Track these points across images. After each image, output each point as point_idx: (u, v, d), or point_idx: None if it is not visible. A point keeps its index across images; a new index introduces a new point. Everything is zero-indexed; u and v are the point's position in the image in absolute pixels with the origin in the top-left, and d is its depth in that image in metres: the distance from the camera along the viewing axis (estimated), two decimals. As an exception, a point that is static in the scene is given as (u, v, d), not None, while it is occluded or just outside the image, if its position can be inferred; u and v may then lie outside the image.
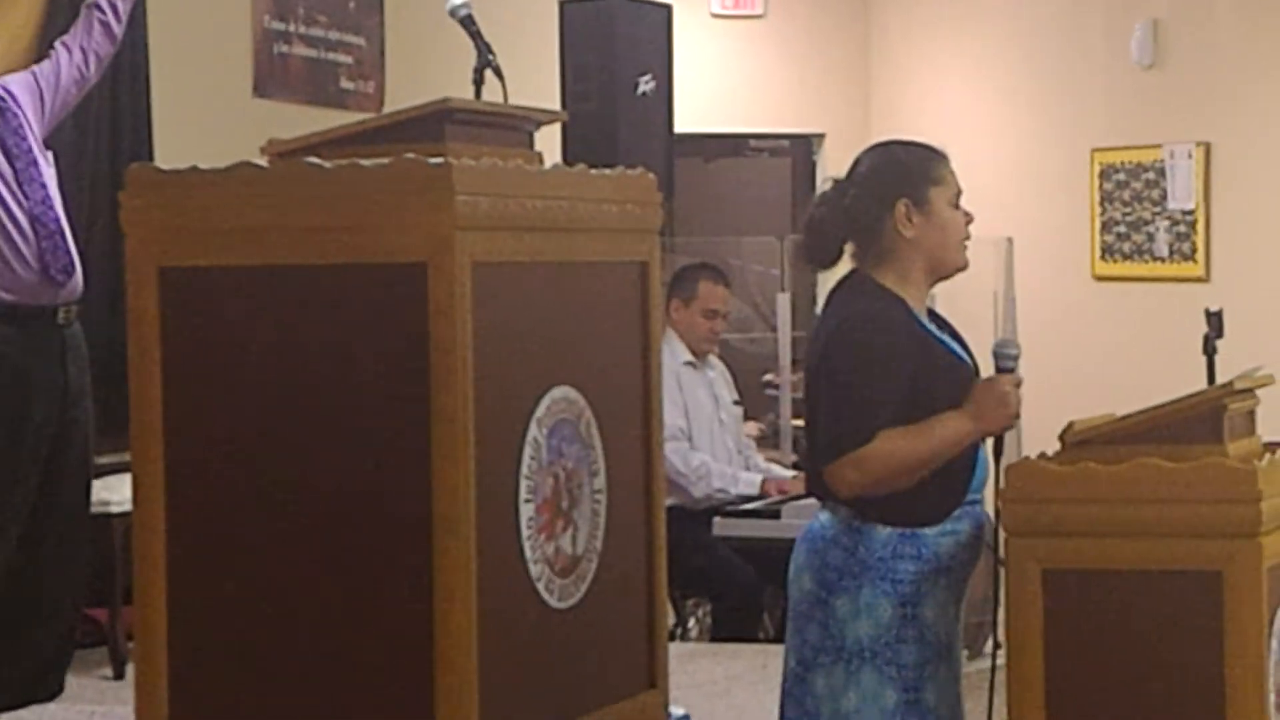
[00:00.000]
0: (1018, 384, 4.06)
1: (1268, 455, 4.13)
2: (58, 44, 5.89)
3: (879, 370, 4.00)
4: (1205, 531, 3.92)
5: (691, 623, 7.85)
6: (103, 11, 5.85)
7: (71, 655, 6.04)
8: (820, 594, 4.11)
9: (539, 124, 4.35)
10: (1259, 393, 4.28)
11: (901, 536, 4.05)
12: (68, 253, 5.75)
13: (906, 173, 4.15)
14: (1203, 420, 4.07)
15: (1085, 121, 10.44)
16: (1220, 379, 4.32)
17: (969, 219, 4.19)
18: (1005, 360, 4.09)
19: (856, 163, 4.22)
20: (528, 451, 3.89)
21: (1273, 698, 4.00)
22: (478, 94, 4.42)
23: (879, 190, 4.13)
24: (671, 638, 6.80)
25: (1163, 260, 10.10)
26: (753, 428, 8.52)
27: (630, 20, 8.08)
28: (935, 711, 4.09)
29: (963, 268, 4.19)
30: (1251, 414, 4.28)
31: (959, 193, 4.19)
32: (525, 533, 3.88)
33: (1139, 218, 10.19)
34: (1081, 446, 4.09)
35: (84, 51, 5.83)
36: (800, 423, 8.14)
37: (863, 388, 4.00)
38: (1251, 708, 3.91)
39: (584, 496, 4.08)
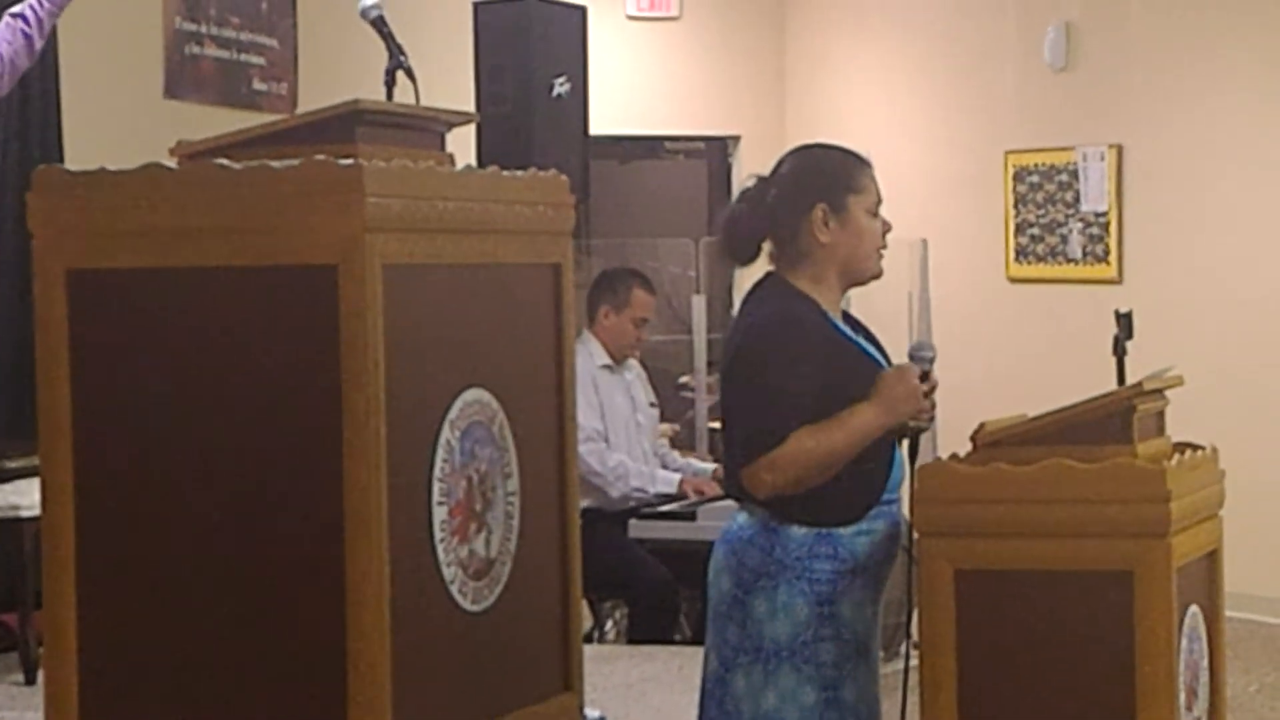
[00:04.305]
0: (925, 375, 4.07)
1: (1177, 455, 4.15)
2: None
3: (788, 371, 4.01)
4: (1116, 531, 3.94)
5: (608, 625, 7.85)
6: (26, 24, 5.73)
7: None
8: (738, 594, 4.12)
9: (451, 125, 4.33)
10: (1169, 393, 4.31)
11: (818, 536, 4.07)
12: None
13: (826, 178, 4.15)
14: (1113, 421, 4.09)
15: (999, 123, 10.50)
16: (1131, 379, 4.35)
17: (887, 228, 4.19)
18: (921, 363, 4.11)
19: (780, 163, 4.23)
20: (440, 454, 3.88)
21: (1183, 696, 4.03)
22: (390, 95, 4.41)
23: (798, 193, 4.14)
24: (588, 640, 6.80)
25: (1076, 262, 10.16)
26: (666, 429, 8.52)
27: (545, 22, 8.07)
28: (854, 709, 4.10)
29: (877, 275, 4.20)
30: (1161, 414, 4.31)
31: (879, 201, 4.19)
32: (438, 535, 3.87)
33: (1053, 219, 10.25)
34: (993, 447, 4.11)
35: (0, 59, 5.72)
36: (717, 425, 8.15)
37: (774, 389, 4.01)
38: (1162, 707, 3.93)
39: (497, 499, 4.08)
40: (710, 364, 9.37)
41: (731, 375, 4.13)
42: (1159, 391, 4.24)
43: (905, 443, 4.15)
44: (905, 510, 4.18)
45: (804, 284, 4.14)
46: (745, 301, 4.20)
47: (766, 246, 4.19)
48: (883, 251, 4.20)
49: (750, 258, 4.22)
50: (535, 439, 4.22)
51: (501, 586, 4.08)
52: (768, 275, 4.20)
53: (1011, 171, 10.43)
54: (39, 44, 5.77)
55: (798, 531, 4.07)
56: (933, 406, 4.11)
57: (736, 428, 4.11)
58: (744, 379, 4.08)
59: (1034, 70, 10.28)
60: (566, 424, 4.36)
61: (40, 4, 5.72)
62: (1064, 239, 10.21)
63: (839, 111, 11.24)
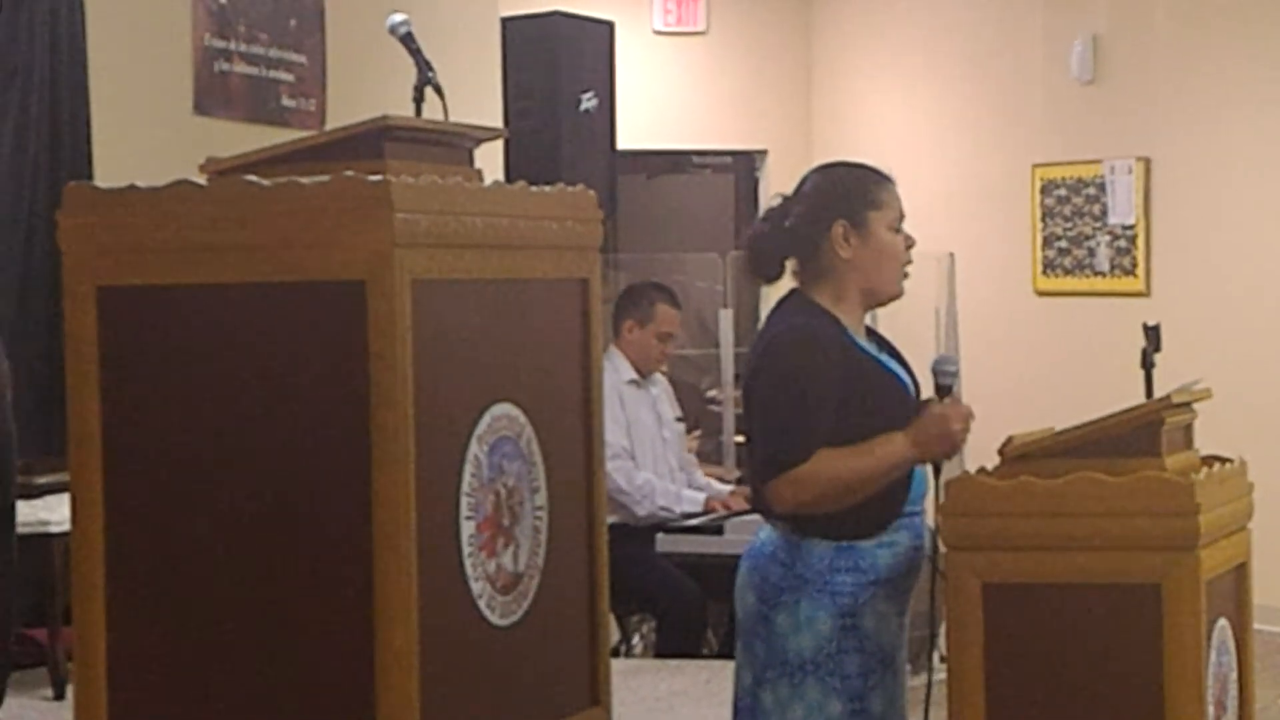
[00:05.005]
0: (968, 418, 4.08)
1: (1205, 469, 4.15)
2: None
3: (809, 387, 4.03)
4: (1144, 545, 3.93)
5: (636, 639, 7.85)
6: None
7: (7, 676, 6.00)
8: (762, 610, 4.14)
9: (479, 141, 4.34)
10: (1197, 406, 4.31)
11: (839, 550, 4.08)
12: None
13: (846, 195, 4.18)
14: (1141, 434, 4.09)
15: (1026, 137, 10.50)
16: (1159, 393, 4.35)
17: (910, 243, 4.22)
18: (944, 377, 4.12)
19: (803, 181, 4.27)
20: (469, 469, 3.89)
21: (1211, 710, 4.02)
22: (418, 111, 4.42)
23: (819, 210, 4.17)
24: (615, 654, 6.80)
25: (1104, 275, 10.16)
26: (690, 440, 8.53)
27: (572, 37, 8.10)
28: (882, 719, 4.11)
29: (896, 296, 4.23)
30: (1189, 428, 4.31)
31: (900, 216, 4.21)
32: (466, 550, 3.88)
33: (1080, 233, 10.25)
34: (1021, 461, 4.10)
35: None
36: (743, 439, 8.16)
37: (794, 406, 4.03)
38: (1191, 720, 3.93)
39: (525, 513, 4.08)
40: (737, 378, 9.38)
41: (752, 392, 4.16)
42: (1187, 404, 4.23)
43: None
44: (930, 523, 4.19)
45: (826, 301, 4.17)
46: (768, 318, 4.25)
47: (791, 264, 4.23)
48: (907, 269, 4.22)
49: (775, 276, 4.26)
50: (563, 453, 4.23)
51: (529, 601, 4.08)
52: (792, 292, 4.23)
53: (1039, 185, 10.43)
54: None
55: (818, 545, 4.09)
56: (963, 438, 4.12)
57: (759, 444, 4.13)
58: (764, 395, 4.11)
59: (1061, 83, 10.27)
60: (594, 438, 4.37)
61: None
62: (1091, 252, 10.20)
63: (865, 126, 11.24)
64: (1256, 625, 4.42)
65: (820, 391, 4.03)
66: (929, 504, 4.18)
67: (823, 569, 4.08)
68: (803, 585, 4.09)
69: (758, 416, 4.13)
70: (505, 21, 8.37)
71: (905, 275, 4.23)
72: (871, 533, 4.09)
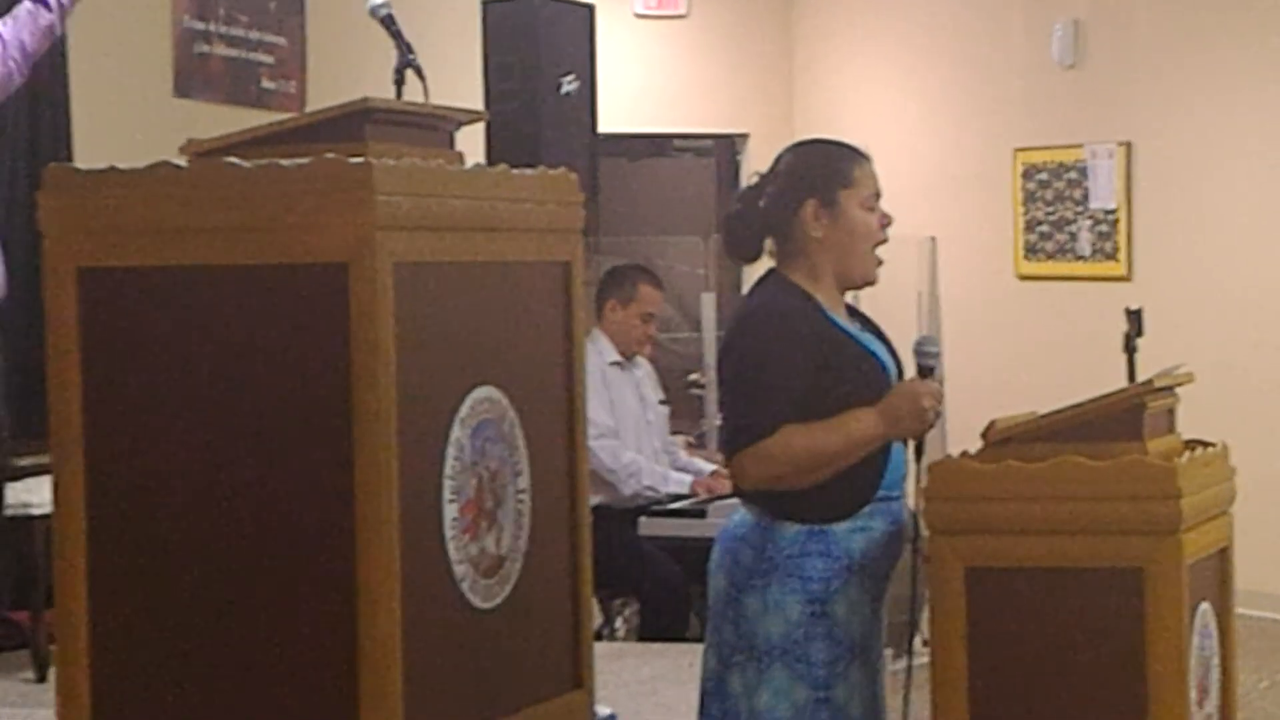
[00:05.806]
0: (938, 396, 4.05)
1: (1188, 453, 4.15)
2: None
3: (776, 363, 4.01)
4: (1126, 529, 3.94)
5: (618, 622, 7.85)
6: (49, 8, 5.72)
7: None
8: (732, 593, 4.12)
9: (460, 124, 4.33)
10: (1179, 391, 4.31)
11: (810, 534, 4.05)
12: None
13: (818, 173, 4.15)
14: (1123, 418, 4.09)
15: (1007, 121, 10.50)
16: (1141, 377, 4.35)
17: (886, 221, 4.17)
18: (925, 358, 4.10)
19: (777, 160, 4.25)
20: (451, 452, 3.88)
21: (1194, 693, 4.03)
22: (399, 94, 4.41)
23: (790, 189, 4.15)
24: (598, 637, 6.80)
25: (1085, 259, 10.16)
26: (680, 440, 8.54)
27: (553, 20, 8.07)
28: (845, 710, 4.06)
29: (870, 282, 4.19)
30: (1171, 412, 4.31)
31: (876, 195, 4.17)
32: (449, 533, 3.87)
33: (1062, 217, 10.25)
34: (1004, 445, 4.10)
35: (22, 46, 5.69)
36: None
37: (760, 381, 4.01)
38: (1174, 704, 3.93)
39: (508, 497, 4.08)
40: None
41: (722, 368, 4.15)
42: (1169, 389, 4.23)
43: (911, 441, 4.14)
44: (912, 507, 4.17)
45: (801, 279, 4.14)
46: (744, 297, 4.24)
47: (769, 244, 4.21)
48: (880, 246, 4.17)
49: (753, 255, 4.24)
50: (546, 436, 4.22)
51: (512, 584, 4.08)
52: (769, 272, 4.21)
53: (1020, 169, 10.43)
54: (60, 29, 5.75)
55: (790, 529, 4.06)
56: (935, 415, 4.10)
57: (726, 419, 4.13)
58: (732, 371, 4.10)
59: (1042, 67, 10.27)
60: (577, 421, 4.36)
61: None
62: (1073, 236, 10.21)
63: (847, 109, 11.24)
64: (1238, 609, 4.42)
65: (788, 368, 4.00)
66: (910, 487, 4.17)
67: (793, 553, 4.04)
68: (773, 569, 4.05)
69: (726, 392, 4.13)
70: (486, 4, 8.34)
71: (879, 261, 4.18)
72: (843, 516, 4.05)
